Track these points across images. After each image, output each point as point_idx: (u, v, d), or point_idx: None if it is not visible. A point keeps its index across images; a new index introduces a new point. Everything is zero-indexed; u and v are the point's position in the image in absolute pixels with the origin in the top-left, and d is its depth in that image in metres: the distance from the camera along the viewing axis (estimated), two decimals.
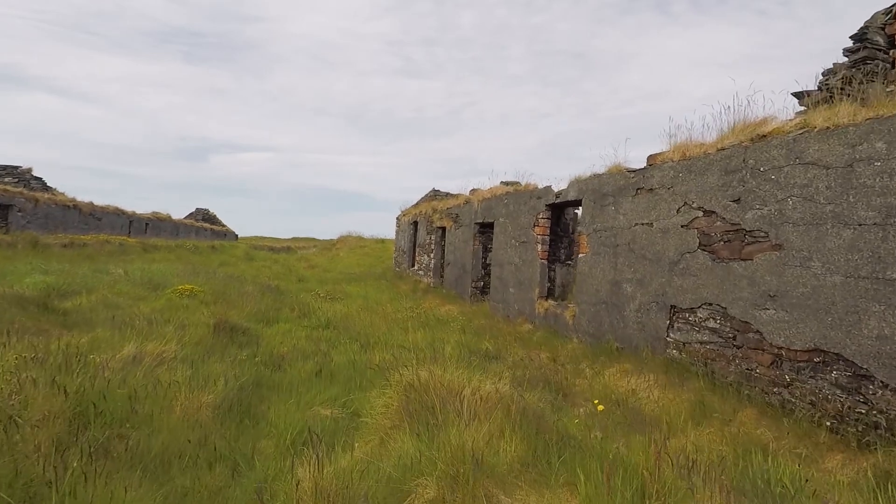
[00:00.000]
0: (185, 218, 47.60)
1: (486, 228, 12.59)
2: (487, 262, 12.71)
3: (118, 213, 26.93)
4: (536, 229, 9.22)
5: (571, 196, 8.20)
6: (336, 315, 10.81)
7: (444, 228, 15.63)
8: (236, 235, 55.11)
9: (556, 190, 8.83)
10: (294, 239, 70.14)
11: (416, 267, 18.18)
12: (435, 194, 21.04)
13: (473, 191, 14.72)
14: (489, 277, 12.69)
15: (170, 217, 36.07)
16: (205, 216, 54.02)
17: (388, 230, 63.85)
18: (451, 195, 18.10)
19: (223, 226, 54.71)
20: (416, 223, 19.00)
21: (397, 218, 22.41)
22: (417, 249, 18.02)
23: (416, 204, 21.26)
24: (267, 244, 42.39)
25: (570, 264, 9.51)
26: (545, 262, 9.13)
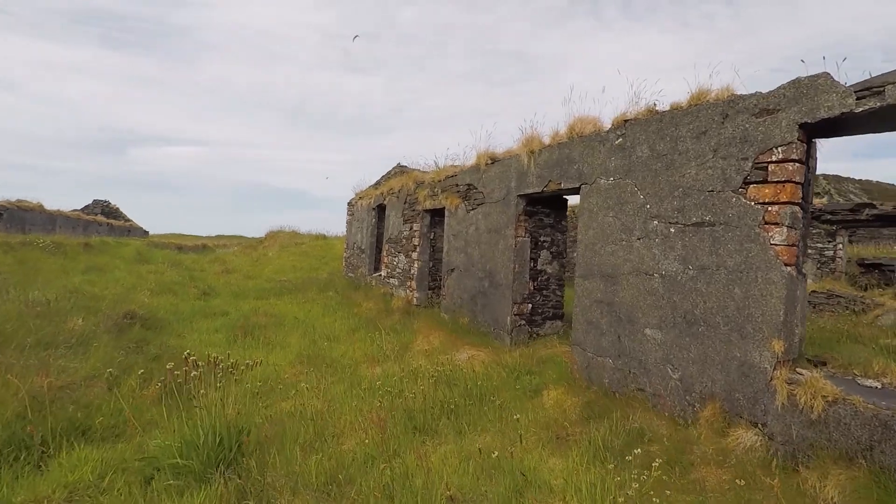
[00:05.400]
0: (79, 210, 38.82)
1: (538, 205, 6.95)
2: (538, 267, 7.07)
3: None
4: (762, 191, 3.67)
5: None
6: (254, 385, 4.82)
7: (438, 211, 9.83)
8: (146, 232, 46.38)
9: (843, 83, 3.31)
10: (218, 237, 61.41)
11: (383, 273, 12.22)
12: (402, 170, 15.11)
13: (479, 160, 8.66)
14: (542, 296, 7.05)
15: (41, 206, 27.55)
16: (104, 209, 45.15)
17: (329, 227, 56.83)
18: (425, 171, 11.81)
19: (127, 221, 45.86)
20: (381, 207, 13.05)
21: (350, 203, 16.27)
22: (387, 246, 12.08)
23: (378, 183, 15.24)
24: (176, 242, 34.56)
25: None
26: (794, 272, 3.61)
